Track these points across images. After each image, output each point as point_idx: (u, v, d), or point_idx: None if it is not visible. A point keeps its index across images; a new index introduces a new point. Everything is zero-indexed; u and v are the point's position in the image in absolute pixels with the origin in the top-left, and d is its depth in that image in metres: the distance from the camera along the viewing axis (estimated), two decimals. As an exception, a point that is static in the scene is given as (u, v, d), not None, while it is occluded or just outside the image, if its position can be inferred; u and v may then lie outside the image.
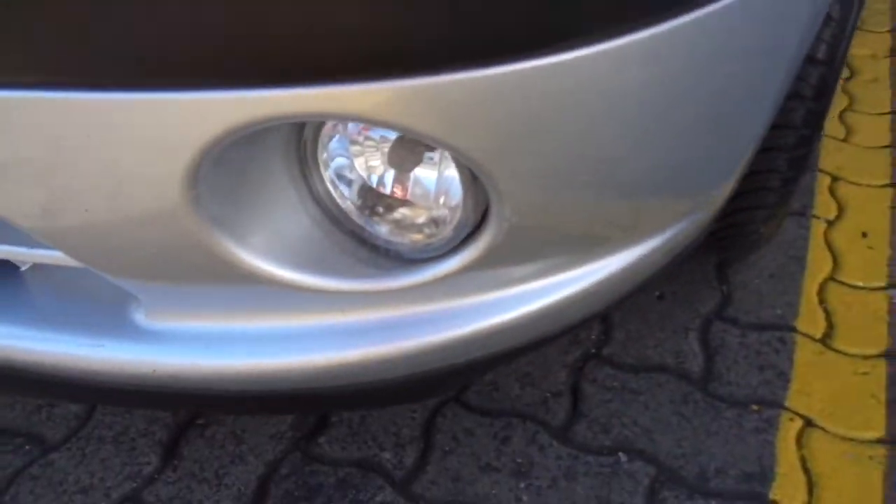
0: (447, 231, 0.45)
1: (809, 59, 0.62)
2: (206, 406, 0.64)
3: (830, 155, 1.22)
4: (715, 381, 0.85)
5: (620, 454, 0.78)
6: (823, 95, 0.69)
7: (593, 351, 0.89)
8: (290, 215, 0.45)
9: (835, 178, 1.16)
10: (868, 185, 1.14)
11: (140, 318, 0.49)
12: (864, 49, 1.53)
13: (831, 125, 1.29)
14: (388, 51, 0.35)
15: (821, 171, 1.18)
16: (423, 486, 0.76)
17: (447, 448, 0.79)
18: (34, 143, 0.36)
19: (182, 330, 0.49)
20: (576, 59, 0.38)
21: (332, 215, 0.47)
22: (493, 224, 0.42)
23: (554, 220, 0.45)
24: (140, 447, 0.81)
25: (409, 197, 0.45)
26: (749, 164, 0.63)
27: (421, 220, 0.45)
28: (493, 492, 0.75)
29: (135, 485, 0.78)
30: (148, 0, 0.32)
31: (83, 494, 0.77)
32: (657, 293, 0.97)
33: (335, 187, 0.46)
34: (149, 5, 0.32)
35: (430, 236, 0.46)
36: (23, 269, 0.54)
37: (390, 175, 0.45)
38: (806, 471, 0.76)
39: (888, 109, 1.33)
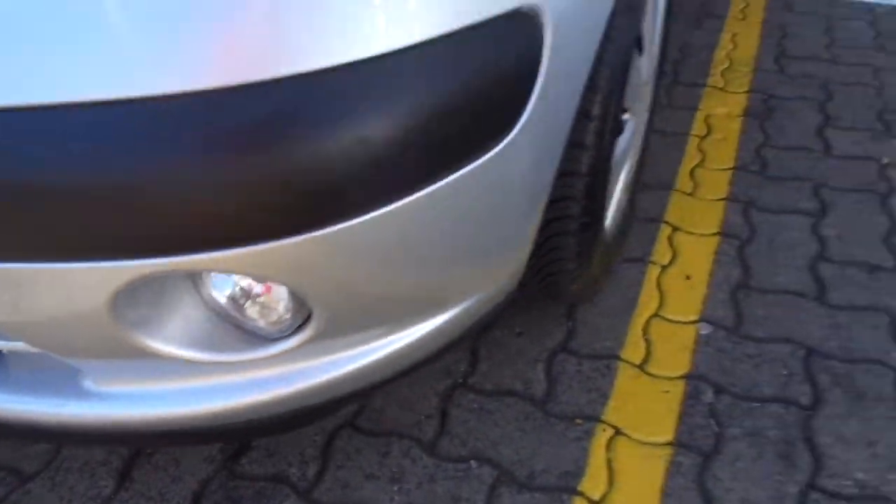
0: (289, 321, 0.68)
1: (572, 173, 0.87)
2: (143, 443, 0.86)
3: (676, 208, 1.47)
4: (552, 401, 1.09)
5: (472, 461, 1.02)
6: (594, 197, 0.93)
7: (460, 380, 1.13)
8: (187, 313, 0.68)
9: (675, 228, 1.42)
10: (700, 234, 1.40)
11: (89, 384, 0.72)
12: (723, 108, 1.80)
13: (682, 180, 1.55)
14: (233, 229, 0.58)
15: (665, 222, 1.43)
16: (320, 493, 0.99)
17: (340, 463, 1.02)
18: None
19: (119, 391, 0.72)
20: (363, 222, 0.61)
21: (217, 310, 0.70)
22: (314, 321, 0.66)
23: (362, 318, 0.69)
24: (100, 474, 1.03)
25: (264, 299, 0.69)
26: (531, 254, 0.87)
27: (272, 313, 0.69)
28: (374, 495, 0.98)
29: None
30: (63, 201, 0.54)
31: (55, 512, 0.99)
32: (517, 330, 1.21)
33: (217, 291, 0.70)
34: (65, 206, 0.54)
35: (279, 324, 0.69)
36: (4, 351, 0.76)
37: (253, 284, 0.69)
38: (609, 468, 1.00)
39: (731, 165, 1.59)
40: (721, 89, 1.87)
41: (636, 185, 1.37)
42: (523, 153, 0.69)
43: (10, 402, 0.71)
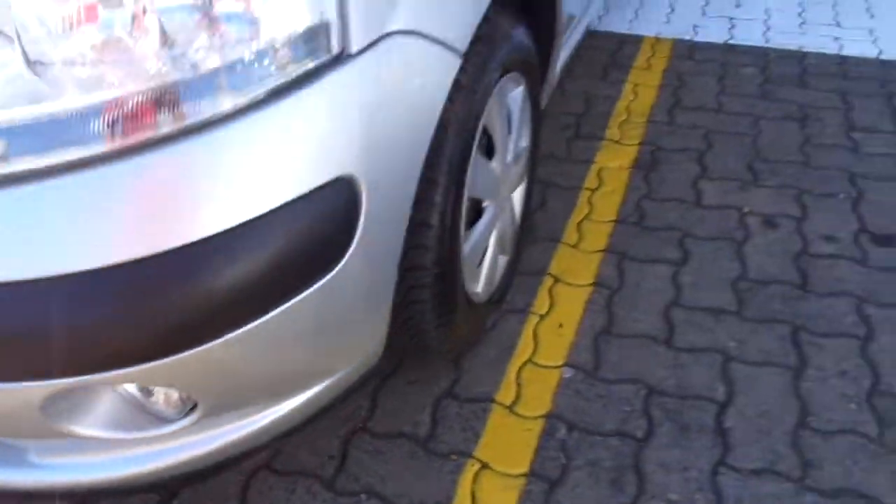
0: (181, 405, 0.91)
1: (419, 267, 1.09)
2: (77, 499, 1.07)
3: (560, 260, 1.70)
4: (434, 441, 1.32)
5: (363, 495, 1.24)
6: (444, 282, 1.16)
7: (360, 425, 1.35)
8: (105, 404, 0.90)
9: (556, 280, 1.64)
10: (577, 285, 1.63)
11: (32, 457, 0.93)
12: (615, 161, 2.03)
13: (568, 233, 1.78)
14: (121, 355, 0.80)
15: (549, 274, 1.66)
16: (238, 526, 1.21)
17: (255, 500, 1.24)
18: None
19: (56, 463, 0.93)
20: (225, 340, 0.83)
21: (129, 400, 0.92)
22: (199, 407, 0.88)
23: (239, 402, 0.91)
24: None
25: (163, 390, 0.90)
26: (397, 328, 1.10)
27: (169, 400, 0.91)
28: (281, 526, 1.21)
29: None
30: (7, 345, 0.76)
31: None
32: (411, 379, 1.43)
33: (129, 386, 0.91)
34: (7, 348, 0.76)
35: (175, 407, 0.91)
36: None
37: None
38: (473, 497, 1.22)
39: (613, 218, 1.82)
40: (616, 142, 2.11)
41: (518, 246, 1.60)
42: (354, 275, 0.91)
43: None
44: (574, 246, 1.74)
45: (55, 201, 0.75)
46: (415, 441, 1.32)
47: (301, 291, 0.86)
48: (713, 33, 2.74)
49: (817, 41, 2.65)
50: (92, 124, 0.74)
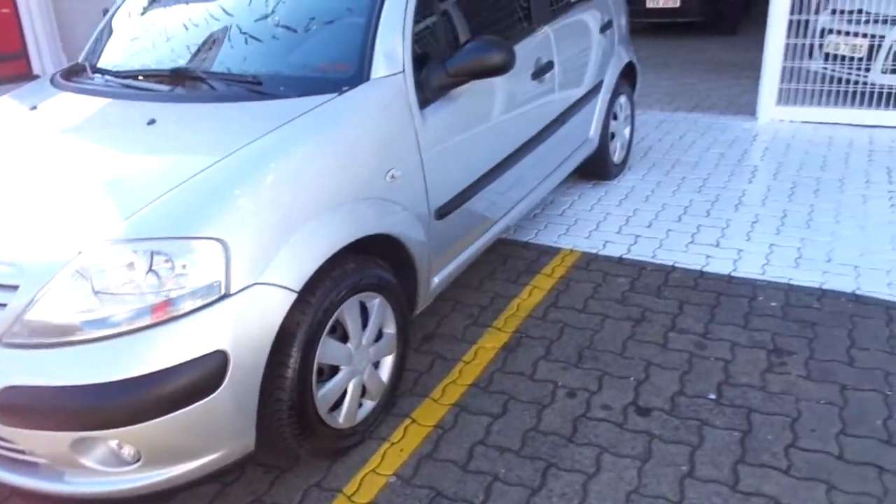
0: (136, 455, 1.84)
1: (278, 400, 2.00)
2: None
3: (421, 408, 2.54)
4: (297, 511, 2.14)
5: (245, 537, 2.07)
6: (300, 413, 2.06)
7: (257, 498, 2.20)
8: (101, 451, 1.85)
9: (413, 421, 2.48)
10: (424, 425, 2.45)
11: (68, 477, 1.87)
12: (491, 343, 2.89)
13: (437, 391, 2.62)
14: (105, 423, 1.75)
15: (409, 416, 2.49)
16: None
17: (185, 533, 2.11)
18: None
19: (79, 480, 1.87)
20: (152, 422, 1.78)
21: (113, 450, 1.86)
22: (143, 458, 1.81)
23: (165, 459, 1.83)
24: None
25: (125, 448, 1.85)
26: (264, 433, 2.00)
27: (128, 452, 1.85)
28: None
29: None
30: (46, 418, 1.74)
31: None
32: (297, 473, 2.28)
33: (111, 442, 1.86)
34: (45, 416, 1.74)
35: (133, 457, 1.84)
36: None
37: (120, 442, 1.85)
38: (306, 544, 2.03)
39: (471, 382, 2.65)
40: (499, 329, 2.98)
41: (392, 396, 2.46)
42: (226, 399, 1.85)
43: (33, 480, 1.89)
44: (436, 400, 2.58)
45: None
46: (286, 510, 2.16)
47: (192, 404, 1.80)
48: (616, 248, 3.62)
49: (692, 258, 3.47)
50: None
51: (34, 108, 2.67)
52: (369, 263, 2.29)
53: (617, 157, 4.56)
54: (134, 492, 1.88)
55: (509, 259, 3.59)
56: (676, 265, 3.42)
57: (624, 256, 3.54)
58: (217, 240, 1.84)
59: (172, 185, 1.92)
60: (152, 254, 1.82)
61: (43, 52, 7.98)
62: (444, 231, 2.66)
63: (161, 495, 1.92)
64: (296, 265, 1.99)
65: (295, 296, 1.98)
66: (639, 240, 3.71)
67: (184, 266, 1.81)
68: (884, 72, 5.48)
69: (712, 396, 2.48)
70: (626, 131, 4.71)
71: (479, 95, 2.76)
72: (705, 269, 3.36)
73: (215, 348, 1.83)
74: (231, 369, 1.86)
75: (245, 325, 1.87)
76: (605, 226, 3.91)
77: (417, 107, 2.44)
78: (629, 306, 3.08)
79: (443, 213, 2.61)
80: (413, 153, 2.42)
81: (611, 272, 3.38)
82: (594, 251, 3.61)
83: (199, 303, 1.82)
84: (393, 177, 2.32)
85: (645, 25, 10.59)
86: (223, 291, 1.85)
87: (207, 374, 1.82)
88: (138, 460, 1.85)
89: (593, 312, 3.05)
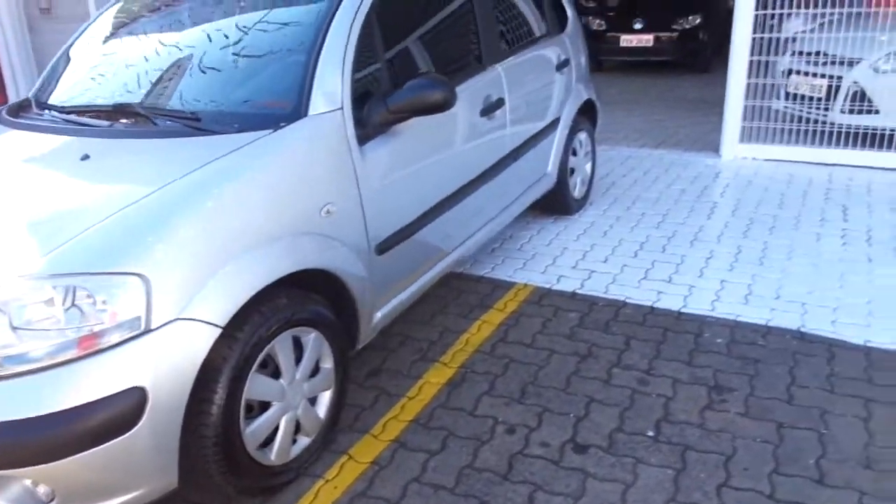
0: (52, 493, 1.81)
1: (202, 437, 1.98)
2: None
3: (360, 444, 2.51)
4: (222, 551, 2.11)
5: (167, 578, 2.03)
6: (224, 447, 2.04)
7: (185, 537, 2.17)
8: (18, 489, 1.81)
9: (350, 457, 2.46)
10: (361, 462, 2.43)
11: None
12: (436, 379, 2.88)
13: (377, 427, 2.60)
14: (17, 462, 1.73)
15: (346, 453, 2.47)
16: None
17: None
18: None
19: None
20: (66, 461, 1.75)
21: (28, 488, 1.82)
22: (57, 497, 1.78)
23: (84, 497, 1.80)
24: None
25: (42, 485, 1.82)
26: (189, 472, 1.97)
27: (46, 491, 1.81)
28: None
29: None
30: None
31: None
32: (229, 513, 2.25)
33: (28, 482, 1.83)
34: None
35: (49, 495, 1.81)
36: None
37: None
38: (228, 585, 1.99)
39: (411, 418, 2.63)
40: (446, 364, 2.97)
41: (330, 433, 2.44)
42: (144, 436, 1.83)
43: None
44: (376, 436, 2.56)
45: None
46: (211, 550, 2.12)
47: (109, 441, 1.78)
48: (569, 283, 3.64)
49: (644, 294, 3.49)
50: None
51: (-24, 143, 2.68)
52: (304, 298, 2.29)
53: (577, 193, 4.61)
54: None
55: (462, 293, 3.60)
56: (628, 301, 3.44)
57: (577, 291, 3.56)
58: (137, 275, 1.83)
59: (97, 220, 1.92)
60: (74, 289, 1.81)
61: (20, 86, 8.03)
62: (386, 266, 2.66)
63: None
64: (221, 300, 1.98)
65: (219, 331, 1.97)
66: (593, 275, 3.73)
67: (104, 301, 1.80)
68: (842, 112, 5.61)
69: (650, 433, 2.48)
70: (588, 167, 4.77)
71: (423, 132, 2.80)
72: (656, 305, 3.38)
73: (133, 384, 1.81)
74: (150, 405, 1.84)
75: (166, 360, 1.86)
76: (561, 260, 3.94)
77: (356, 142, 2.46)
78: (577, 342, 3.09)
79: (384, 248, 2.63)
80: (351, 188, 2.44)
81: (562, 307, 3.39)
82: (548, 286, 3.63)
83: (120, 338, 1.81)
84: (328, 212, 2.34)
85: (619, 63, 10.80)
86: (144, 327, 1.84)
87: (125, 410, 1.80)
88: (52, 500, 1.82)
89: (540, 347, 3.06)
